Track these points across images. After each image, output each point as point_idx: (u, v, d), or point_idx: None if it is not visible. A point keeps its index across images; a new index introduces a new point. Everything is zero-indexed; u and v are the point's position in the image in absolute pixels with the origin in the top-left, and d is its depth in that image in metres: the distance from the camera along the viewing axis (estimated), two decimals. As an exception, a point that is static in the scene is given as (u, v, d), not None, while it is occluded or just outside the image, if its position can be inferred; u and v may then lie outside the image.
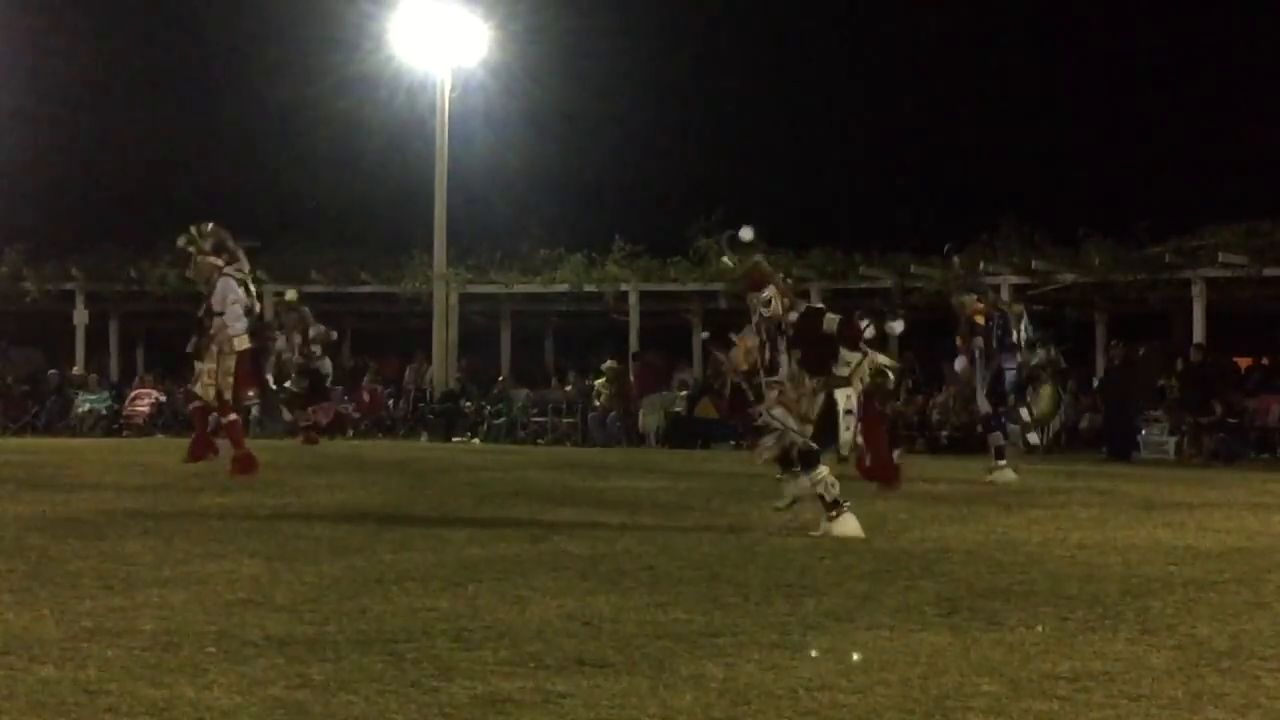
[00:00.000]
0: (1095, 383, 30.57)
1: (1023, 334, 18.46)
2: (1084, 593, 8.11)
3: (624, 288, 34.32)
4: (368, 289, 35.58)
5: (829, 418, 10.94)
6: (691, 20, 46.94)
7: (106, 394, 34.82)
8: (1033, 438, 18.35)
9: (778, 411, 11.06)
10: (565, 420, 31.78)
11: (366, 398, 34.40)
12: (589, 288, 34.43)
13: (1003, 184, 41.39)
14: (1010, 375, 18.17)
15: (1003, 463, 18.01)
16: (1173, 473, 21.35)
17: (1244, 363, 31.84)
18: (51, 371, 36.75)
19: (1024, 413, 18.39)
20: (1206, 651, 6.44)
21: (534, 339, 39.56)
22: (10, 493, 14.14)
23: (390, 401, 34.35)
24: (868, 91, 46.51)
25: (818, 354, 10.88)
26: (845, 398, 10.99)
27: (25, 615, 6.93)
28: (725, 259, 11.88)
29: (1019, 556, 9.82)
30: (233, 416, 16.96)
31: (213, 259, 17.20)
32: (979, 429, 20.47)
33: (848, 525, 10.83)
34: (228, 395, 16.81)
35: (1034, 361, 18.63)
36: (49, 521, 11.28)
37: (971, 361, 18.69)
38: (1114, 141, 44.45)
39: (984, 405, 18.48)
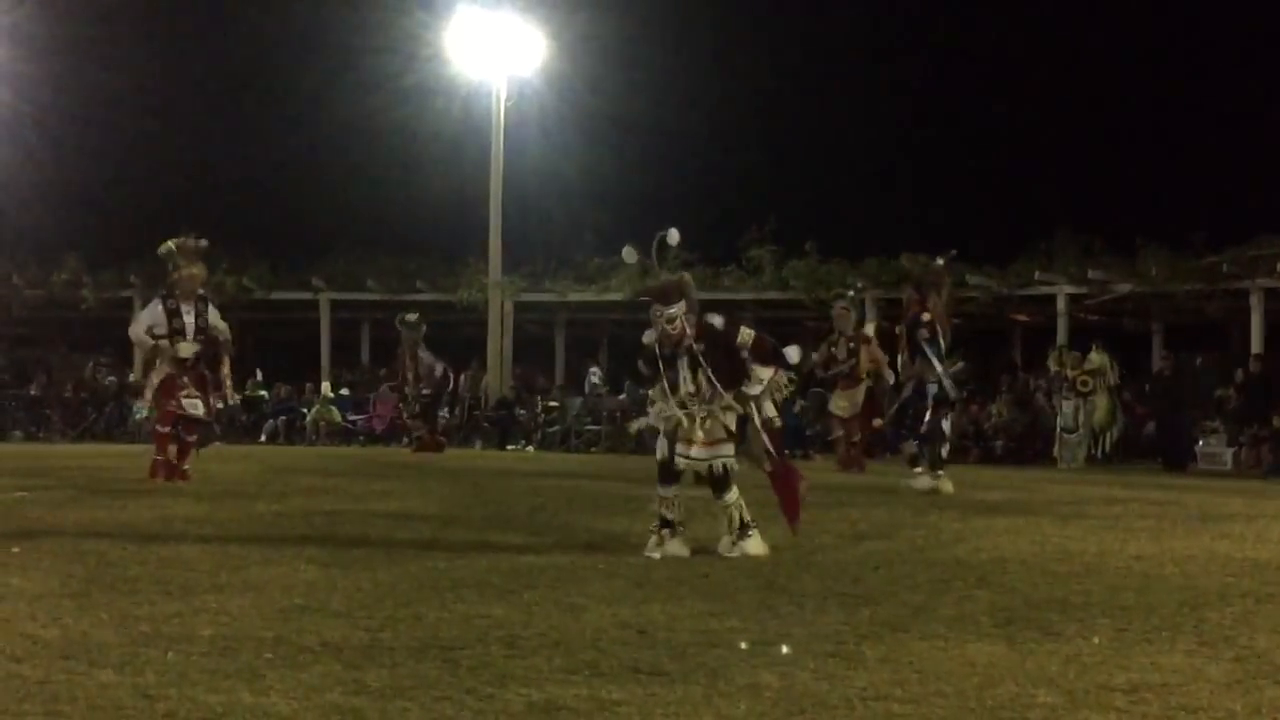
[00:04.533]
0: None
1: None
2: (1140, 604, 8.06)
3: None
4: (423, 297, 35.69)
5: (743, 431, 10.60)
6: (747, 29, 46.99)
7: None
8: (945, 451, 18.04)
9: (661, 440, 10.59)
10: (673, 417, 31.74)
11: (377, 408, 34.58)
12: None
13: (1059, 192, 41.27)
14: (933, 385, 17.87)
15: (920, 468, 17.67)
16: (1230, 484, 21.19)
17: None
18: (110, 379, 37.01)
19: (944, 424, 18.05)
20: (1265, 664, 6.39)
21: (589, 347, 39.64)
22: (69, 499, 14.24)
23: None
24: (924, 100, 46.36)
25: (729, 370, 10.50)
26: (760, 410, 10.64)
27: (84, 620, 6.97)
28: (629, 250, 11.32)
29: (1075, 567, 9.76)
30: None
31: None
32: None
33: (754, 546, 10.29)
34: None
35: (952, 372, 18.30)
36: (107, 527, 11.35)
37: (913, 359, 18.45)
38: (1172, 150, 44.13)
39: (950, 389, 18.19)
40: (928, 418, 17.66)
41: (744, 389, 10.43)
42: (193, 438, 17.20)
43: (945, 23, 47.51)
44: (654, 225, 10.66)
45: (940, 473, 17.35)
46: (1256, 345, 30.34)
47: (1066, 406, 27.66)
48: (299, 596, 7.80)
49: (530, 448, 31.94)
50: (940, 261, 19.14)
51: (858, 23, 47.66)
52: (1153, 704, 5.56)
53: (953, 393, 18.17)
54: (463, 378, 34.15)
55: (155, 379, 16.96)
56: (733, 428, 10.43)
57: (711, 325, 10.52)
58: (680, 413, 10.36)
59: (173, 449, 17.01)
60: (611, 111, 40.38)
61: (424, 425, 28.26)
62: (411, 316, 28.12)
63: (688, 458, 10.35)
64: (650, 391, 10.76)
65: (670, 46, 44.60)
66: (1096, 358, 28.24)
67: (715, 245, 35.80)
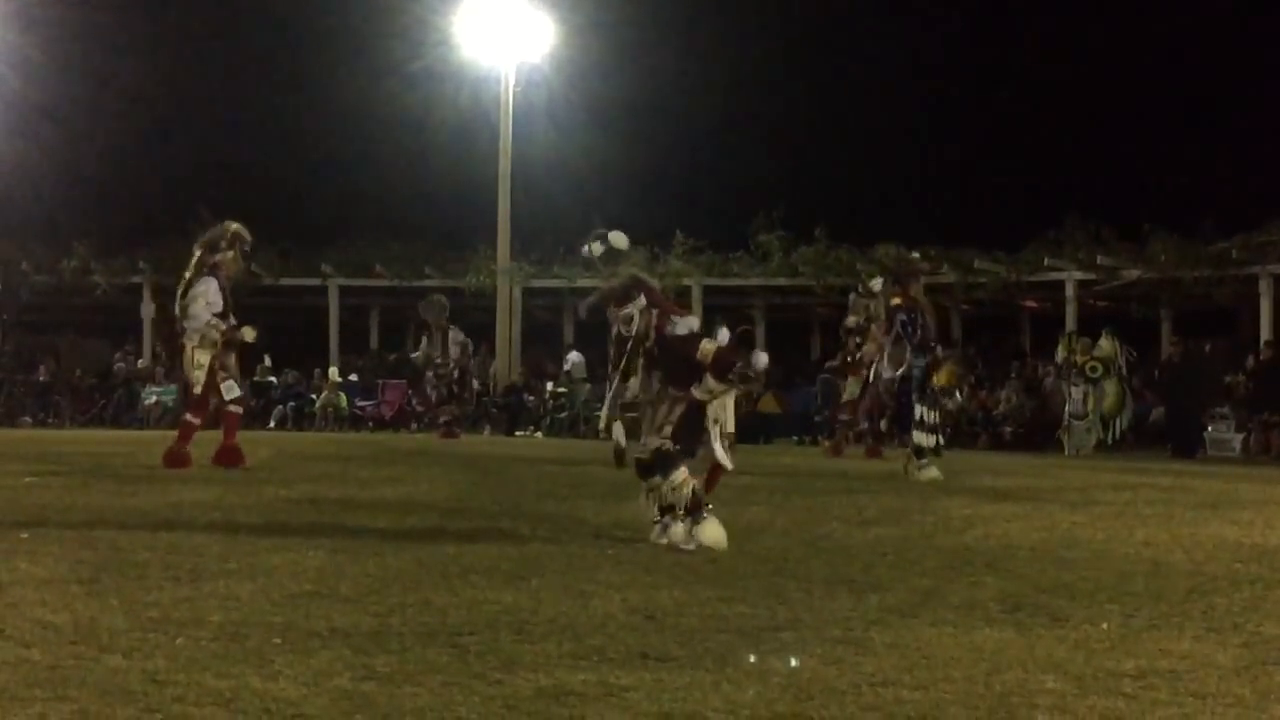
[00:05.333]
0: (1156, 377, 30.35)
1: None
2: (1149, 590, 8.05)
3: (686, 282, 34.32)
4: (432, 283, 35.66)
5: (692, 426, 10.40)
6: (756, 15, 46.86)
7: (173, 386, 35.07)
8: (921, 438, 18.00)
9: (616, 428, 10.46)
10: (629, 415, 31.76)
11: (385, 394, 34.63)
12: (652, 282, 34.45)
13: (1068, 179, 41.22)
14: (916, 370, 17.85)
15: (924, 459, 17.52)
16: (1239, 470, 21.18)
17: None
18: (119, 364, 37.08)
19: (923, 411, 17.98)
20: (1274, 650, 6.39)
21: (598, 333, 39.62)
22: (79, 484, 14.25)
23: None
24: (932, 87, 46.26)
25: (682, 376, 10.33)
26: (713, 409, 10.45)
27: (94, 605, 6.98)
28: (590, 248, 11.15)
29: (1084, 553, 9.76)
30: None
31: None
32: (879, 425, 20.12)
33: (711, 532, 9.84)
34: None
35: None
36: (116, 513, 11.37)
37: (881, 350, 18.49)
38: (1180, 136, 44.05)
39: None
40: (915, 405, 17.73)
41: (693, 391, 10.27)
42: (239, 410, 17.50)
43: (957, 9, 47.48)
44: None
45: (922, 460, 17.39)
46: (1266, 331, 30.29)
47: (1075, 393, 27.66)
48: (308, 582, 7.80)
49: (539, 433, 31.97)
50: (915, 254, 19.23)
51: (869, 9, 47.63)
52: (1161, 690, 5.55)
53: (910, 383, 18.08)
54: (470, 364, 34.22)
55: (203, 359, 16.88)
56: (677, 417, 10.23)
57: (672, 333, 10.32)
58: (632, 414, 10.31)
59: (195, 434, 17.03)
60: (620, 97, 40.43)
61: (456, 408, 28.33)
62: (434, 296, 28.22)
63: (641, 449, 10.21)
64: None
65: (679, 32, 44.62)
66: (1106, 344, 28.23)
67: (724, 231, 35.84)
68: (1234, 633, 6.81)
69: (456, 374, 28.25)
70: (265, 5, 46.74)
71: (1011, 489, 15.60)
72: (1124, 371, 28.60)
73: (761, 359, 10.56)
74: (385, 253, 37.83)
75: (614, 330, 10.42)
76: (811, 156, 44.26)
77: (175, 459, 16.54)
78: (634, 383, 10.28)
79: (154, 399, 34.73)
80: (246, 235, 17.39)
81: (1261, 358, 28.15)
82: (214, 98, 46.83)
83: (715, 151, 44.63)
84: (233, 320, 17.06)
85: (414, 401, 33.16)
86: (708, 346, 10.12)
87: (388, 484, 14.94)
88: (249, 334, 17.26)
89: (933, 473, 16.99)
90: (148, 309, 38.21)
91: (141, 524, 10.53)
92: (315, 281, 38.17)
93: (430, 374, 28.24)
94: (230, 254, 17.20)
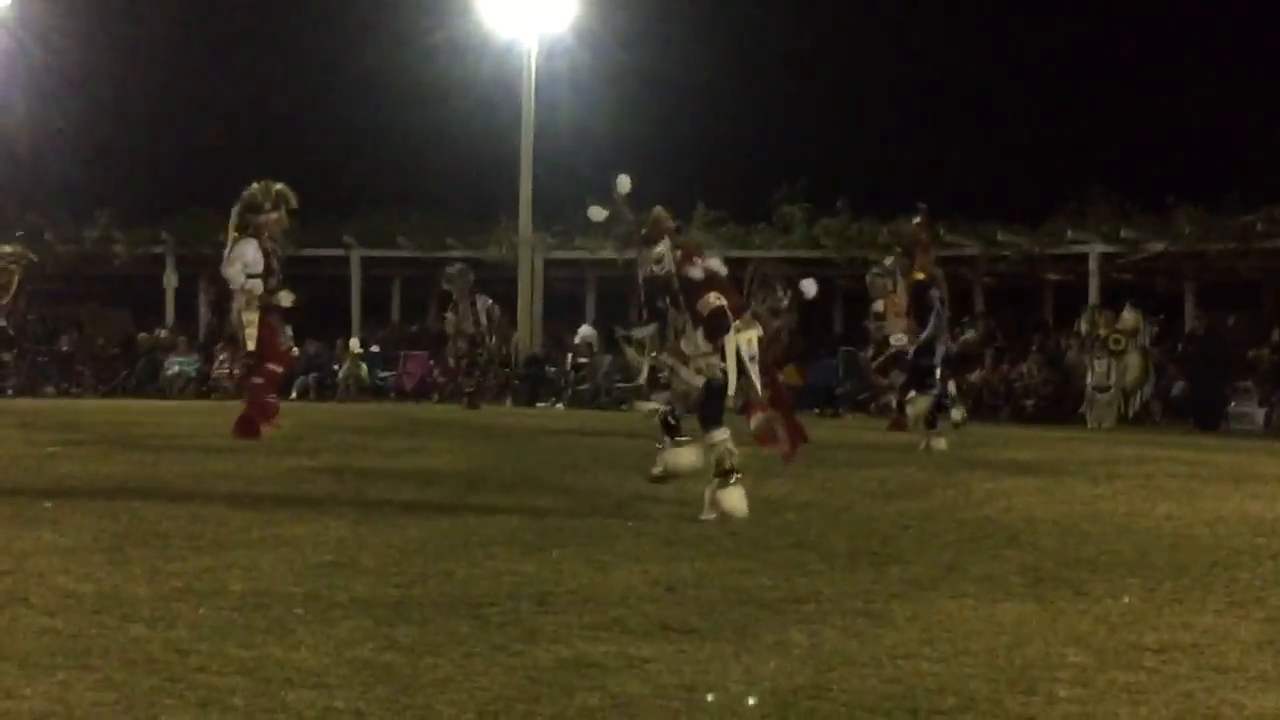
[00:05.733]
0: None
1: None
2: (1171, 564, 8.06)
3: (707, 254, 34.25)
4: (454, 254, 35.53)
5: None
6: (779, -15, 46.74)
7: (195, 356, 35.14)
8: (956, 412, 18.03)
9: (668, 359, 10.33)
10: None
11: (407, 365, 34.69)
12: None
13: (1091, 151, 41.01)
14: (937, 343, 17.89)
15: (936, 428, 17.71)
16: (1262, 444, 21.13)
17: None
18: (141, 334, 37.15)
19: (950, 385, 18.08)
20: (1296, 624, 6.40)
21: (620, 305, 39.63)
22: (102, 454, 14.32)
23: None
24: (956, 57, 46.03)
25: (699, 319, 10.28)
26: (747, 342, 10.18)
27: (117, 575, 7.02)
28: (594, 209, 11.05)
29: (1105, 527, 9.76)
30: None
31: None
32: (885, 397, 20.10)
33: (733, 498, 9.83)
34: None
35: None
36: (139, 483, 11.41)
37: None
38: (1205, 108, 43.81)
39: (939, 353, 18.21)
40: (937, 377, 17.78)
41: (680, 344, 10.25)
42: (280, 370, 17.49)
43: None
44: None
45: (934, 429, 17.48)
46: (1291, 305, 30.26)
47: (1099, 366, 27.57)
48: (329, 552, 7.84)
49: (560, 405, 31.97)
50: (916, 220, 19.20)
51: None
52: (1183, 664, 5.56)
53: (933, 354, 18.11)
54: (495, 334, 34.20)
55: (252, 316, 16.77)
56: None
57: (688, 275, 10.34)
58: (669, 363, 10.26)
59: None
60: (643, 67, 40.25)
61: (481, 378, 28.34)
62: (456, 266, 28.17)
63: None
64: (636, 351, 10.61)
65: (701, 2, 44.48)
66: (1129, 317, 28.13)
67: (746, 202, 35.75)
68: (1256, 606, 6.81)
69: (494, 340, 28.29)
70: (287, -25, 46.80)
71: (1033, 462, 15.60)
72: (1147, 345, 28.53)
73: (810, 286, 10.65)
74: (407, 223, 37.80)
75: (643, 272, 10.41)
76: (834, 128, 44.06)
77: (244, 425, 16.57)
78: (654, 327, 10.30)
79: (176, 369, 34.80)
80: (291, 195, 17.15)
81: (1283, 330, 28.08)
82: (236, 67, 46.74)
83: (738, 122, 44.47)
84: (275, 283, 16.92)
85: (436, 372, 33.15)
86: (712, 300, 10.14)
87: (409, 455, 14.98)
88: (286, 298, 17.06)
89: (942, 443, 17.12)
90: (170, 279, 38.29)
91: (164, 494, 10.58)
92: (337, 252, 38.13)
93: (462, 343, 28.13)
94: (275, 215, 16.98)
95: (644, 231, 10.39)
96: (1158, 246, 32.46)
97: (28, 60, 38.22)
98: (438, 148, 41.67)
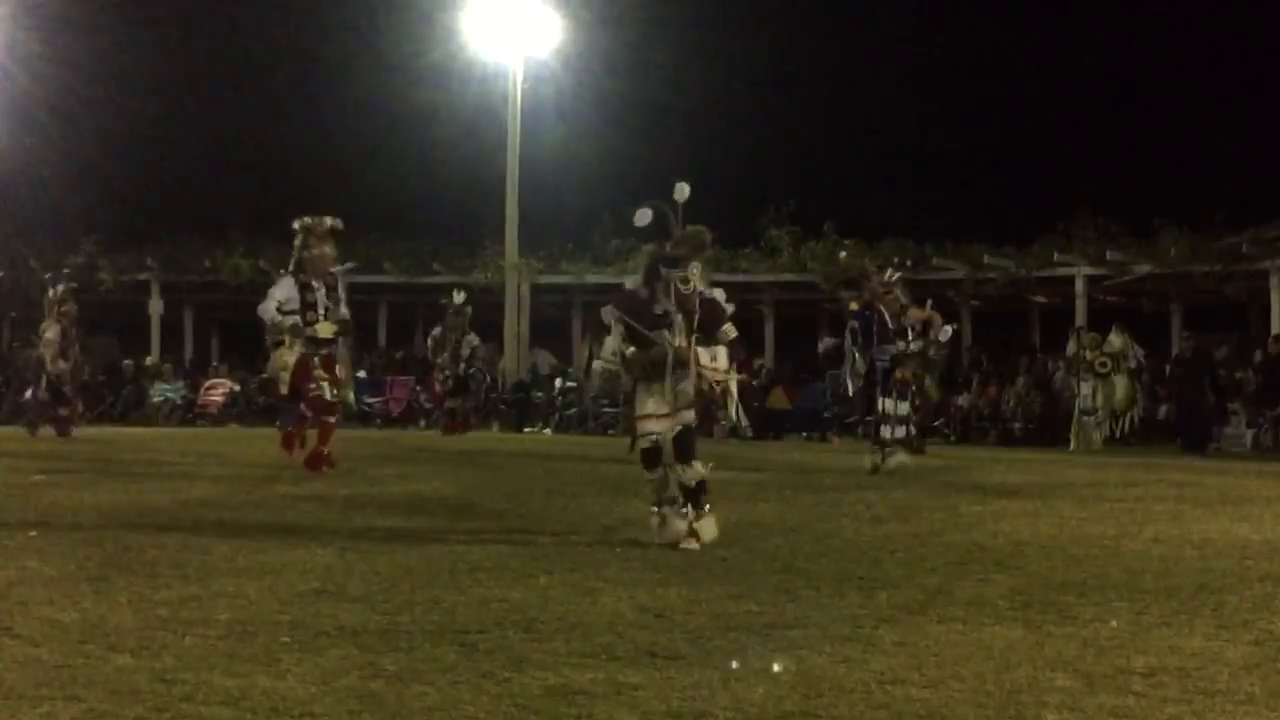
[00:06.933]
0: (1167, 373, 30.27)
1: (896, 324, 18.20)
2: (1159, 587, 8.06)
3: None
4: (440, 280, 35.54)
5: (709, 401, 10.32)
6: (763, 11, 46.86)
7: (181, 384, 35.12)
8: (885, 431, 18.07)
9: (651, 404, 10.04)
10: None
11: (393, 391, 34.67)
12: None
13: (1077, 174, 41.17)
14: (881, 365, 17.97)
15: (892, 448, 17.71)
16: (1249, 466, 21.16)
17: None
18: (127, 361, 37.11)
19: (888, 404, 18.09)
20: (1284, 647, 6.40)
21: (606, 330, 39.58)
22: (88, 481, 14.30)
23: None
24: (942, 82, 46.26)
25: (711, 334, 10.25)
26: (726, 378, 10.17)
27: (103, 604, 7.01)
28: (642, 213, 10.85)
29: (1093, 550, 9.77)
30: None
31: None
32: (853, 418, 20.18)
33: (710, 527, 9.78)
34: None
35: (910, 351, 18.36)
36: (125, 511, 11.40)
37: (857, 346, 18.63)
38: (1190, 130, 44.02)
39: (852, 387, 18.30)
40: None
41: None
42: (334, 419, 16.71)
43: (962, 6, 47.58)
44: (670, 207, 10.49)
45: (885, 449, 17.60)
46: (1277, 326, 30.27)
47: (1085, 388, 27.58)
48: (316, 580, 7.83)
49: (547, 430, 31.97)
50: (843, 255, 19.40)
51: (876, 7, 47.67)
52: (1171, 687, 5.56)
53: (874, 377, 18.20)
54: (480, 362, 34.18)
55: (288, 359, 16.28)
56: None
57: (709, 296, 10.36)
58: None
59: (310, 433, 16.62)
60: (628, 93, 40.34)
61: (461, 403, 28.33)
62: (460, 299, 28.15)
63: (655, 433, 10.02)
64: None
65: (686, 27, 44.52)
66: (1116, 339, 28.18)
67: (733, 227, 35.79)
68: (1244, 630, 6.81)
69: (463, 369, 28.24)
70: (274, 8, 46.89)
71: (1021, 485, 15.61)
72: (1134, 367, 28.58)
73: (946, 330, 10.60)
74: (393, 249, 37.81)
75: (659, 287, 10.25)
76: (820, 152, 44.23)
77: (313, 460, 16.09)
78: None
79: (162, 396, 34.80)
80: (312, 227, 16.77)
81: (1271, 352, 28.10)
82: (222, 94, 46.83)
83: (723, 147, 44.51)
84: (315, 316, 16.36)
85: (422, 398, 33.13)
86: (730, 331, 10.20)
87: (396, 481, 14.97)
88: (325, 330, 16.40)
89: (901, 458, 17.15)
90: (156, 306, 38.25)
91: (150, 522, 10.57)
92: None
93: (439, 364, 28.10)
94: (317, 251, 16.61)
95: (677, 247, 10.30)
96: (1144, 269, 32.55)
97: (12, 87, 38.24)
98: (423, 173, 41.74)
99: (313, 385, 16.22)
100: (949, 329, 21.62)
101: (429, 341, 28.70)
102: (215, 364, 38.20)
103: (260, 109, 46.25)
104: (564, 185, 38.96)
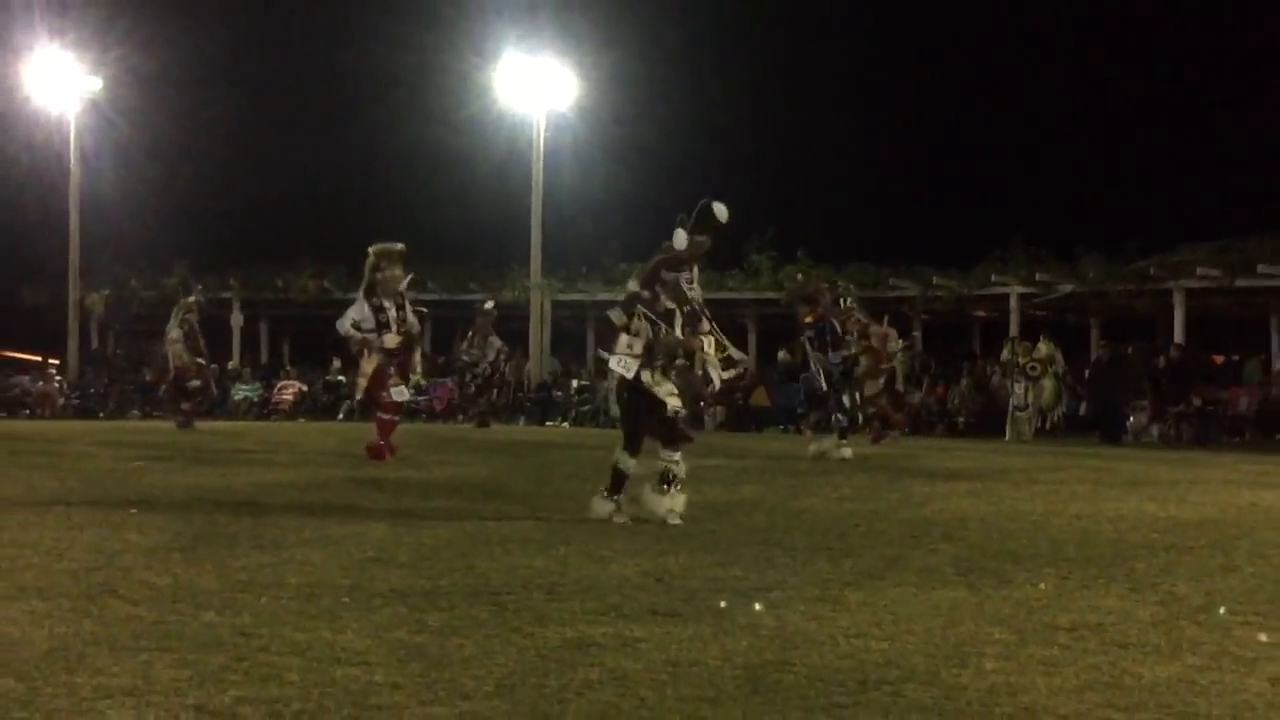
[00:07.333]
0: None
1: (843, 335, 18.26)
2: (1080, 555, 8.05)
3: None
4: (475, 296, 35.55)
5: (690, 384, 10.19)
6: (748, 68, 47.24)
7: (258, 384, 35.11)
8: (841, 419, 18.10)
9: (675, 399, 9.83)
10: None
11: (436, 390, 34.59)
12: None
13: (1012, 208, 41.42)
14: (834, 368, 18.00)
15: (828, 437, 17.70)
16: (1156, 454, 21.12)
17: (1217, 360, 31.57)
18: (212, 366, 37.11)
19: (844, 399, 18.14)
20: (1185, 607, 6.39)
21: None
22: (179, 467, 14.29)
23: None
24: (899, 133, 46.71)
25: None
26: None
27: (191, 570, 7.00)
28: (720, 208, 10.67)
29: (1025, 525, 9.75)
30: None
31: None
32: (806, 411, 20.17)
33: (680, 502, 9.61)
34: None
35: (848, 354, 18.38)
36: (210, 492, 11.39)
37: (805, 355, 18.69)
38: (1107, 171, 44.41)
39: (824, 383, 18.30)
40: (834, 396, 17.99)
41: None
42: (396, 418, 16.45)
43: (918, 71, 48.02)
44: (668, 234, 10.41)
45: (838, 439, 17.52)
46: (1178, 336, 30.36)
47: (1018, 389, 27.58)
48: (371, 550, 7.82)
49: (566, 424, 31.92)
50: (799, 277, 19.46)
51: (845, 70, 48.08)
52: (1090, 640, 5.56)
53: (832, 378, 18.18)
54: (507, 365, 34.09)
55: (367, 369, 16.06)
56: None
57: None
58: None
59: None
60: (634, 139, 40.52)
61: (484, 401, 28.28)
62: (489, 305, 28.12)
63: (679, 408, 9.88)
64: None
65: (684, 84, 44.78)
66: (1044, 347, 28.23)
67: (722, 252, 35.74)
68: (1152, 592, 6.81)
69: (488, 371, 28.18)
70: (336, 60, 47.03)
71: (964, 470, 15.58)
72: (1059, 371, 28.60)
73: (898, 343, 10.26)
74: (436, 270, 37.82)
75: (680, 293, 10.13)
76: (795, 189, 44.44)
77: (375, 450, 15.82)
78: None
79: (241, 395, 34.80)
80: (384, 252, 16.66)
81: (1173, 358, 28.09)
82: (292, 140, 46.94)
83: (713, 184, 44.33)
84: (388, 330, 16.16)
85: (458, 396, 33.11)
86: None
87: (437, 467, 14.95)
88: (391, 341, 16.16)
89: (847, 452, 17.11)
90: (236, 319, 38.29)
91: (231, 501, 10.56)
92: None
93: (474, 368, 28.01)
94: (388, 273, 16.49)
95: (694, 248, 10.24)
96: (1067, 288, 32.54)
97: (116, 135, 38.30)
98: (461, 206, 41.85)
99: (385, 391, 16.03)
100: (902, 341, 21.83)
101: (462, 351, 28.62)
102: (286, 368, 38.17)
103: (325, 153, 46.42)
104: (580, 217, 38.99)
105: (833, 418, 18.02)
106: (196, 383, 25.48)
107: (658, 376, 9.80)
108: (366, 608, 6.02)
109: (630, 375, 9.76)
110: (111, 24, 37.74)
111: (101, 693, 4.52)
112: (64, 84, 37.37)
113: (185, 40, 42.20)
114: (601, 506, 9.76)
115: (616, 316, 10.05)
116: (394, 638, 5.41)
